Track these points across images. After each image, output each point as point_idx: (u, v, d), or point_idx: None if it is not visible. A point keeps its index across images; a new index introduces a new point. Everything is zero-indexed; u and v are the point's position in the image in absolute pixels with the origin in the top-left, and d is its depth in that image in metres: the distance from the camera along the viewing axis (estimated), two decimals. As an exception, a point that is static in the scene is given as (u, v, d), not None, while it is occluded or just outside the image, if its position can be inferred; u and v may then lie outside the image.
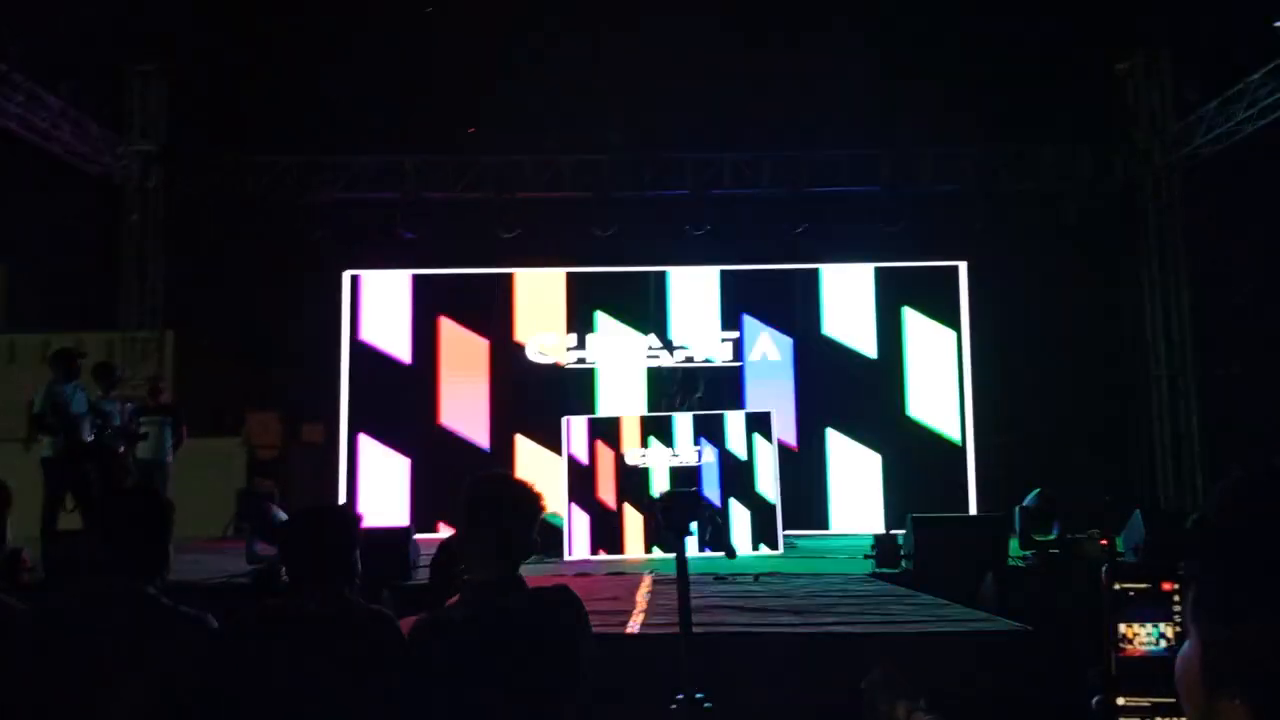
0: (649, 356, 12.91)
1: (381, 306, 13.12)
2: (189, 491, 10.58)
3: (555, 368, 13.01)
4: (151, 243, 13.22)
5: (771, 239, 12.98)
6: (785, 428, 12.13)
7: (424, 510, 11.91)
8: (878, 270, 13.17)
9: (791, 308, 13.13)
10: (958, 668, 4.35)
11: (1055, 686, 4.29)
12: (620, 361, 12.97)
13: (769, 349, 13.05)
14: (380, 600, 3.05)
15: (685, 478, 9.73)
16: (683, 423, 10.20)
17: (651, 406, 12.17)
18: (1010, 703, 4.04)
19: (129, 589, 2.74)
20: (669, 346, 13.00)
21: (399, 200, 12.98)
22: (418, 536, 8.60)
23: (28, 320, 13.16)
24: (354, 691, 2.62)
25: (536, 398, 12.76)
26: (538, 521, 2.86)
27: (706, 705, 2.71)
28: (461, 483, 2.84)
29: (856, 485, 12.76)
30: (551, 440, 11.31)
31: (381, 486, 12.63)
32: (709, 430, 10.15)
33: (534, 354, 13.04)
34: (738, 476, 10.02)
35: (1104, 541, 8.05)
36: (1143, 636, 1.74)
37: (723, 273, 13.19)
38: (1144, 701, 1.72)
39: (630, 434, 10.16)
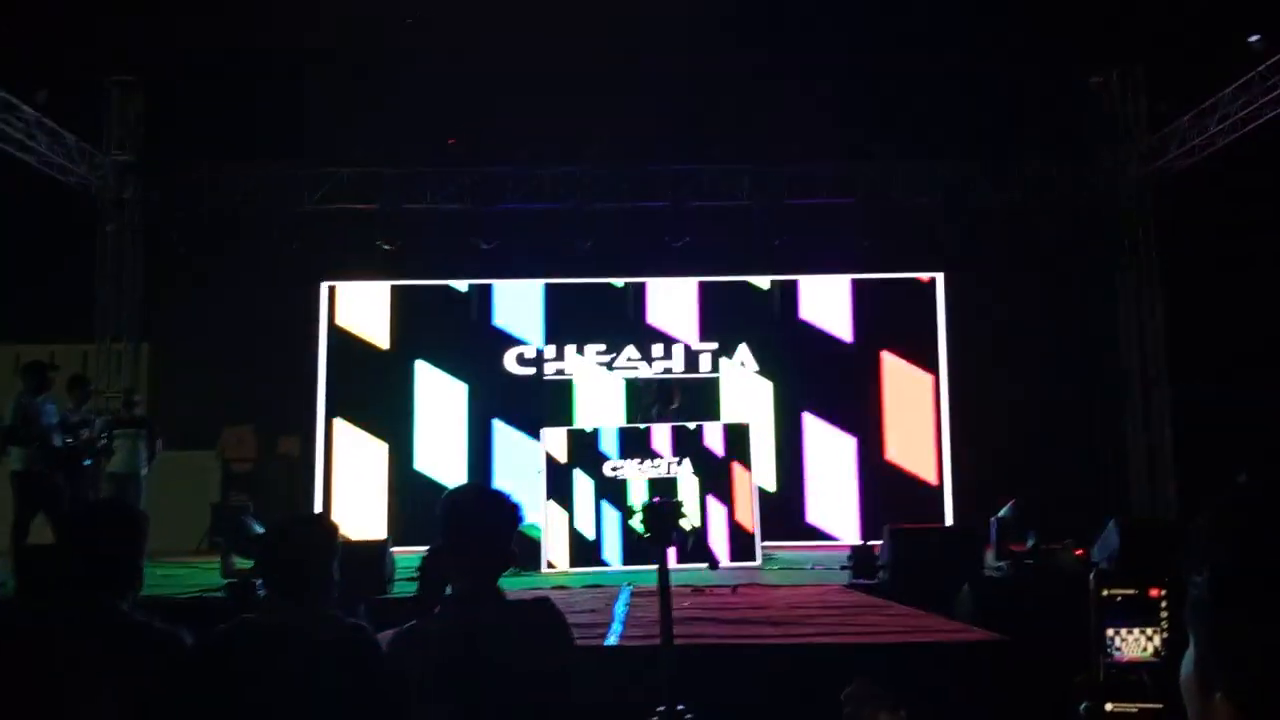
0: (628, 368, 12.92)
1: (359, 316, 13.12)
2: (163, 505, 10.50)
3: (533, 379, 13.02)
4: (128, 254, 13.15)
5: (749, 251, 13.02)
6: (764, 439, 12.18)
7: (401, 522, 11.88)
8: (855, 282, 13.27)
9: (769, 317, 13.20)
10: (937, 678, 4.36)
11: (1033, 696, 4.32)
12: (597, 373, 12.98)
13: (747, 359, 13.10)
14: (356, 614, 3.03)
15: (664, 489, 9.73)
16: (661, 434, 10.21)
17: (630, 418, 12.19)
18: (989, 713, 4.05)
19: (101, 605, 2.69)
20: (647, 358, 13.02)
21: (378, 211, 12.95)
22: (394, 549, 8.55)
23: (0, 332, 13.03)
24: (333, 707, 2.60)
25: (515, 409, 12.79)
26: (515, 533, 2.86)
27: (688, 717, 2.71)
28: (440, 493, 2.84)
29: (833, 492, 12.82)
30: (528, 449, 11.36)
31: (358, 498, 12.58)
32: (688, 441, 10.15)
33: (511, 365, 13.04)
34: (716, 487, 10.03)
35: (1079, 552, 8.09)
36: (1130, 643, 1.75)
37: (701, 284, 13.25)
38: (1131, 707, 1.73)
39: (608, 445, 10.15)
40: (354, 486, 12.71)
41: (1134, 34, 12.36)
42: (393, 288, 13.15)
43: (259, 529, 7.53)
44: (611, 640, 5.18)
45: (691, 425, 10.38)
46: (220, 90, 12.06)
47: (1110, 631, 1.76)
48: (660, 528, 2.97)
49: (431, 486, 12.24)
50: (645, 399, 11.39)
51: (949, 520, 12.50)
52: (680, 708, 2.80)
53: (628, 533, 9.70)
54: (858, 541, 9.94)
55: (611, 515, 9.86)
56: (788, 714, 3.91)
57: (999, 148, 12.96)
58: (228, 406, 13.30)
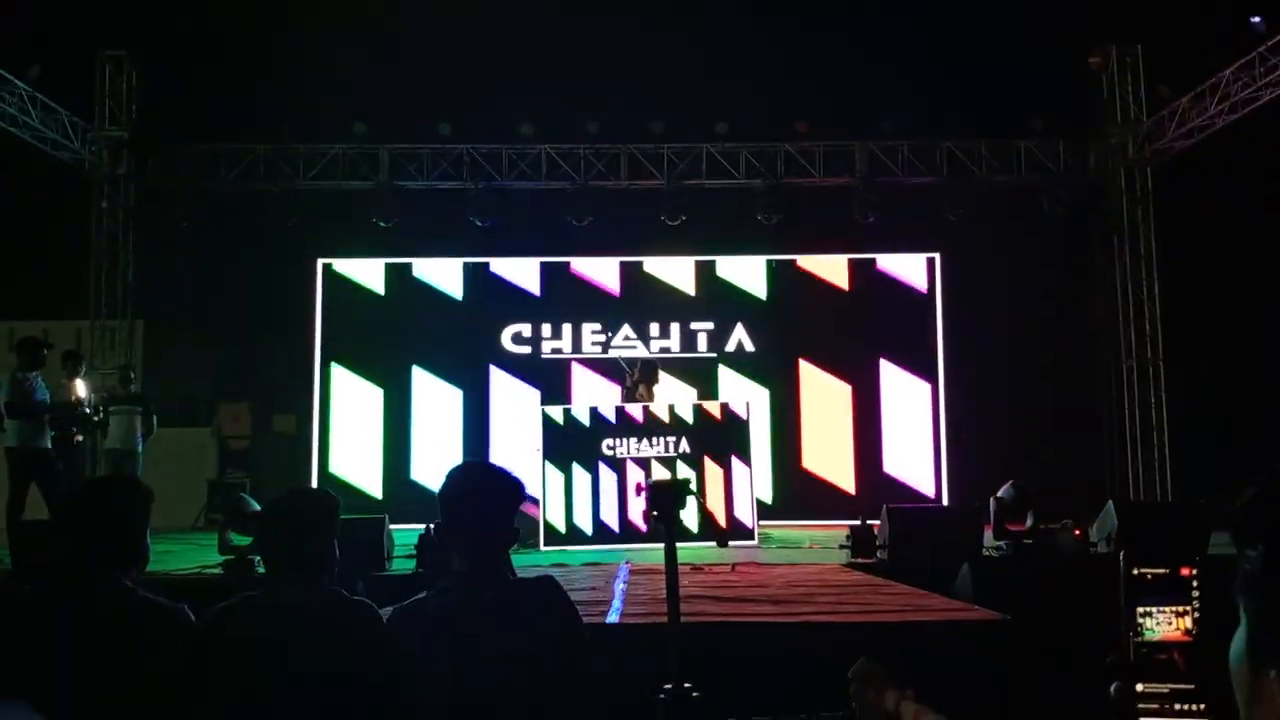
0: (625, 346, 12.90)
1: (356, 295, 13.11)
2: (160, 482, 10.35)
3: (531, 357, 13.01)
4: (121, 230, 13.08)
5: (747, 229, 12.98)
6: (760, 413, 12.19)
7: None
8: (852, 261, 13.27)
9: (766, 294, 13.20)
10: (940, 656, 4.36)
11: (1033, 674, 4.32)
12: (594, 351, 12.97)
13: (744, 339, 13.09)
14: (355, 591, 3.02)
15: (669, 467, 9.71)
16: (663, 412, 10.17)
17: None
18: (989, 691, 4.05)
19: (106, 580, 2.67)
20: (643, 337, 13.01)
21: (373, 188, 12.88)
22: (392, 526, 8.54)
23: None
24: (337, 684, 2.58)
25: (511, 386, 12.80)
26: (517, 510, 2.83)
27: (694, 695, 2.70)
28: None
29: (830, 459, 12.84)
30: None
31: (355, 476, 12.59)
32: (690, 419, 10.12)
33: (508, 343, 13.02)
34: (718, 465, 10.00)
35: (1077, 532, 8.09)
36: (1161, 622, 1.73)
37: (698, 263, 13.22)
38: (1163, 688, 1.71)
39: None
40: (351, 457, 12.73)
41: (1133, 13, 12.33)
42: (387, 265, 13.14)
43: (255, 506, 7.50)
44: (613, 618, 5.18)
45: (694, 404, 10.37)
46: (214, 66, 11.99)
47: (1140, 611, 1.74)
48: (666, 505, 2.95)
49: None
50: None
51: (946, 500, 12.52)
52: (686, 685, 2.78)
53: (622, 511, 9.70)
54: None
55: (610, 493, 9.84)
56: (791, 692, 3.90)
57: (998, 128, 12.92)
58: (224, 384, 13.27)
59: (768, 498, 12.24)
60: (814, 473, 12.87)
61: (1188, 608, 1.72)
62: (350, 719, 2.57)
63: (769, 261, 13.22)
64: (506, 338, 13.01)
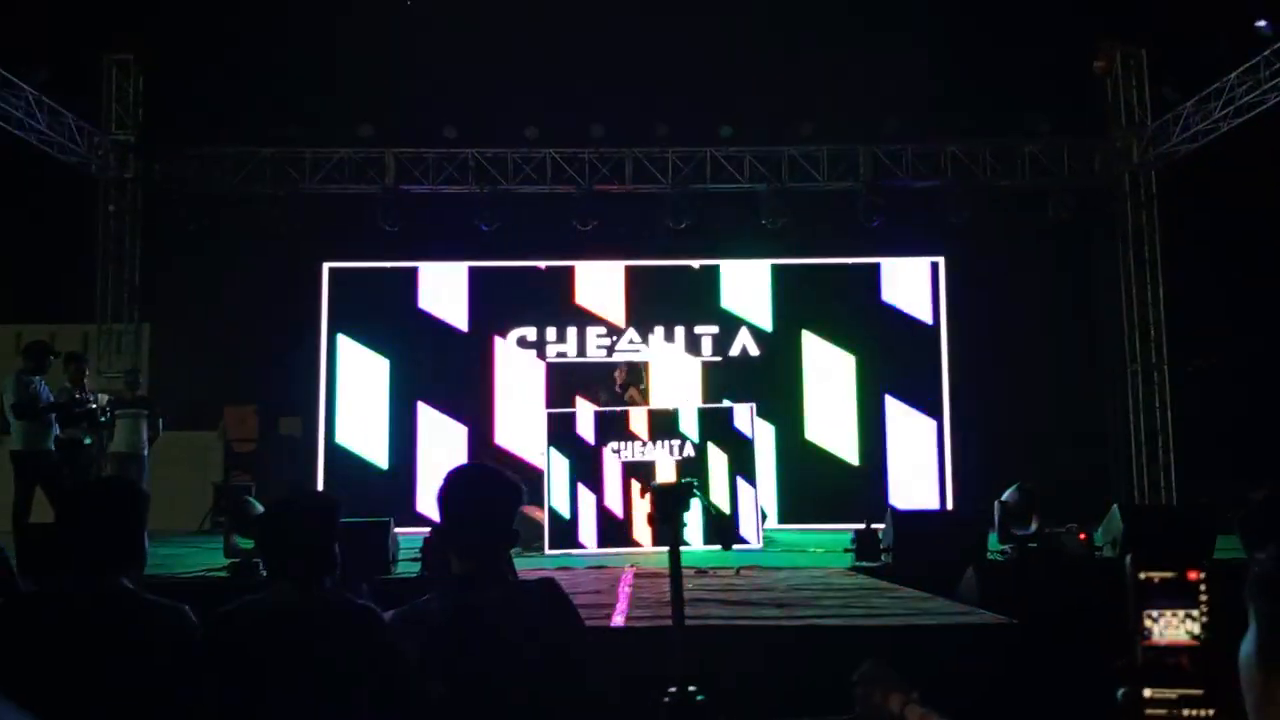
0: (629, 350, 12.90)
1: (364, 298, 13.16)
2: (166, 485, 10.53)
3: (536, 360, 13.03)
4: (128, 233, 13.11)
5: (751, 233, 12.99)
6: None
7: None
8: (852, 266, 13.28)
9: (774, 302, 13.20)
10: (945, 661, 4.36)
11: (1038, 678, 4.32)
12: (599, 355, 12.99)
13: (749, 344, 13.09)
14: (360, 595, 3.02)
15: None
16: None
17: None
18: (999, 694, 4.05)
19: (104, 583, 2.67)
20: (646, 341, 13.03)
21: (379, 193, 12.91)
22: (397, 530, 8.54)
23: (2, 312, 13.00)
24: (339, 687, 2.59)
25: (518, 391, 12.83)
26: (517, 513, 2.84)
27: (699, 698, 2.70)
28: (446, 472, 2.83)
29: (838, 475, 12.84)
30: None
31: (360, 481, 12.60)
32: (695, 423, 10.11)
33: (514, 346, 13.04)
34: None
35: (1082, 536, 8.09)
36: (1168, 627, 1.72)
37: (703, 267, 13.23)
38: (1171, 693, 1.70)
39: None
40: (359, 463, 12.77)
41: (1138, 17, 12.33)
42: (395, 269, 13.18)
43: (261, 509, 7.51)
44: (618, 621, 5.18)
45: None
46: (220, 70, 12.01)
47: (1147, 615, 1.74)
48: (671, 508, 2.94)
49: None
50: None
51: (950, 504, 12.51)
52: (691, 689, 2.78)
53: (626, 514, 9.69)
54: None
55: (615, 496, 9.83)
56: (796, 695, 3.91)
57: (1003, 131, 12.92)
58: (229, 387, 13.29)
59: (772, 508, 12.21)
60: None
61: (1195, 612, 1.71)
62: (352, 720, 2.59)
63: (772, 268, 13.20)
64: (511, 341, 13.03)
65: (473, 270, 13.21)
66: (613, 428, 10.06)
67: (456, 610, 2.65)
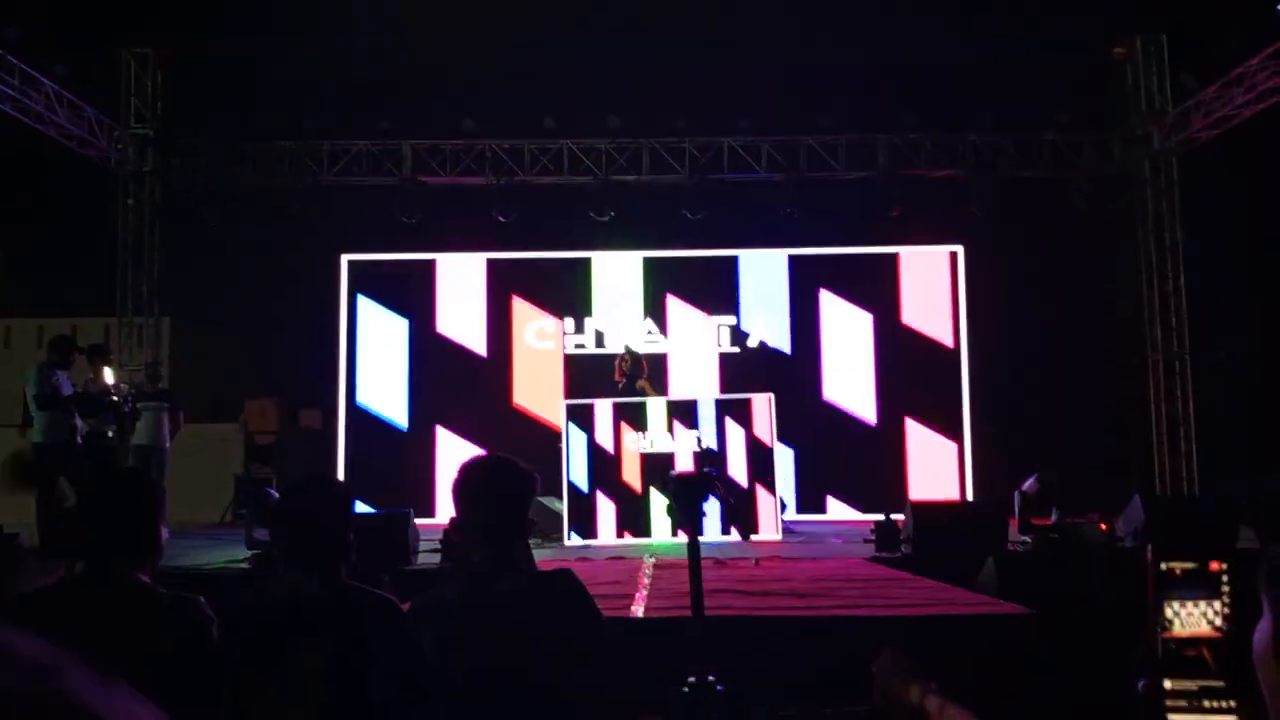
0: (647, 340, 12.90)
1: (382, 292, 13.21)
2: (187, 478, 10.60)
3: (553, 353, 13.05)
4: (148, 227, 13.18)
5: (769, 223, 12.96)
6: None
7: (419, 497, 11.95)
8: (876, 255, 13.24)
9: (792, 293, 13.18)
10: (965, 651, 4.35)
11: (1061, 669, 4.31)
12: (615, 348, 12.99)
13: (766, 336, 13.08)
14: (380, 585, 3.03)
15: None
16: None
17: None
18: (1019, 685, 4.04)
19: (120, 574, 2.68)
20: (663, 330, 13.03)
21: (397, 184, 12.94)
22: (417, 521, 8.59)
23: (23, 306, 13.10)
24: (357, 677, 2.60)
25: (536, 382, 12.86)
26: (532, 502, 2.85)
27: (719, 687, 2.70)
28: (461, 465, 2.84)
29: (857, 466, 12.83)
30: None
31: (381, 470, 12.65)
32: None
33: (531, 339, 13.06)
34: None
35: (1103, 526, 8.06)
36: (1189, 618, 1.71)
37: (721, 257, 13.22)
38: (1191, 684, 1.69)
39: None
40: (376, 456, 12.82)
41: (1157, 3, 12.23)
42: (412, 261, 13.23)
43: (280, 500, 7.57)
44: (637, 611, 5.19)
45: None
46: (238, 63, 12.04)
47: (1168, 606, 1.72)
48: (690, 498, 2.95)
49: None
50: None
51: (971, 495, 12.48)
52: (710, 679, 2.79)
53: (646, 504, 9.71)
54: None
55: (634, 486, 9.85)
56: (815, 685, 3.91)
57: (1022, 120, 12.84)
58: (249, 379, 13.36)
59: (791, 498, 12.20)
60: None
61: (1217, 603, 1.70)
62: (368, 711, 2.59)
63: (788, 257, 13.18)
64: (531, 333, 13.06)
65: (490, 262, 13.24)
66: (631, 419, 10.07)
67: (474, 600, 2.65)
